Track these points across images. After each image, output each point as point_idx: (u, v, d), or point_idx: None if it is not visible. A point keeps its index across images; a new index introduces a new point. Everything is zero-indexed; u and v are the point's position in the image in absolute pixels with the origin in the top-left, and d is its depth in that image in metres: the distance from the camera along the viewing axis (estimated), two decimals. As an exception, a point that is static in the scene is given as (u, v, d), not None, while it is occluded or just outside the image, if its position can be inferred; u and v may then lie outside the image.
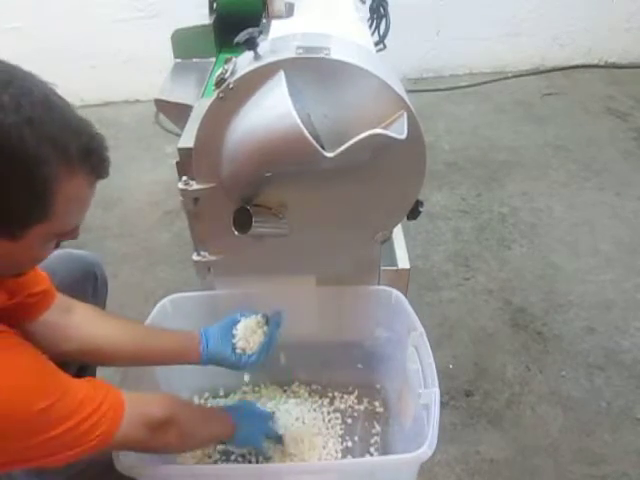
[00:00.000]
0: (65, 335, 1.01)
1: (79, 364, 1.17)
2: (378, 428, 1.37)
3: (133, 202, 2.40)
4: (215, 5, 1.62)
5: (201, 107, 1.05)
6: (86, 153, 0.70)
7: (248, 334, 1.15)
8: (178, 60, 1.56)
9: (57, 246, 0.80)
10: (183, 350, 1.12)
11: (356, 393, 1.44)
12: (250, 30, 0.96)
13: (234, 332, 1.16)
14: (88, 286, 1.22)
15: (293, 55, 0.94)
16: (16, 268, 0.81)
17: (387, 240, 1.22)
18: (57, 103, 0.69)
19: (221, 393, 1.45)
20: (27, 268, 0.85)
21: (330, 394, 1.44)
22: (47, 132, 0.66)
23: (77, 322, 1.03)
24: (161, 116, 2.75)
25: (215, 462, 1.30)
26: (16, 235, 0.70)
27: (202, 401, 1.44)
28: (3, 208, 0.67)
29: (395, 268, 1.31)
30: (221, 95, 0.97)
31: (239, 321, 1.18)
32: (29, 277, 0.96)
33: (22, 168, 0.65)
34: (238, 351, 1.14)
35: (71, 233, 0.78)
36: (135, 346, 1.07)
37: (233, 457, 1.31)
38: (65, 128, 0.68)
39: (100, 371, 1.26)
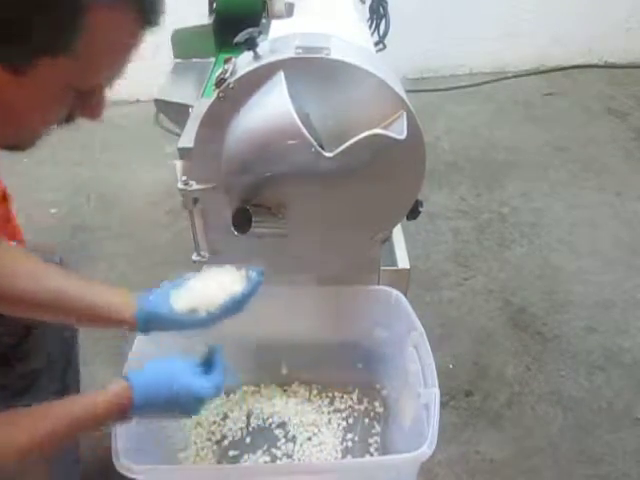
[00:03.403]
0: None
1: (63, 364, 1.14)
2: (378, 428, 1.37)
3: (133, 202, 2.40)
4: (215, 5, 1.62)
5: (201, 107, 1.06)
6: None
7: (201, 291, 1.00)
8: (178, 60, 1.57)
9: (70, 119, 0.64)
10: (115, 306, 0.93)
11: (356, 393, 1.44)
12: (250, 30, 0.96)
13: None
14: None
15: (293, 55, 0.94)
16: (14, 124, 0.62)
17: (387, 240, 1.22)
18: None
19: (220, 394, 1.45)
20: (28, 130, 0.64)
21: (330, 394, 1.44)
22: None
23: None
24: (161, 116, 2.74)
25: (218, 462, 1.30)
26: (20, 66, 0.54)
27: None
28: (5, 15, 0.51)
29: (395, 268, 1.31)
30: (221, 95, 0.97)
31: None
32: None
33: None
34: (179, 310, 0.97)
35: (91, 95, 0.62)
36: (54, 293, 0.89)
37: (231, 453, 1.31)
38: None
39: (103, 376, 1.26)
